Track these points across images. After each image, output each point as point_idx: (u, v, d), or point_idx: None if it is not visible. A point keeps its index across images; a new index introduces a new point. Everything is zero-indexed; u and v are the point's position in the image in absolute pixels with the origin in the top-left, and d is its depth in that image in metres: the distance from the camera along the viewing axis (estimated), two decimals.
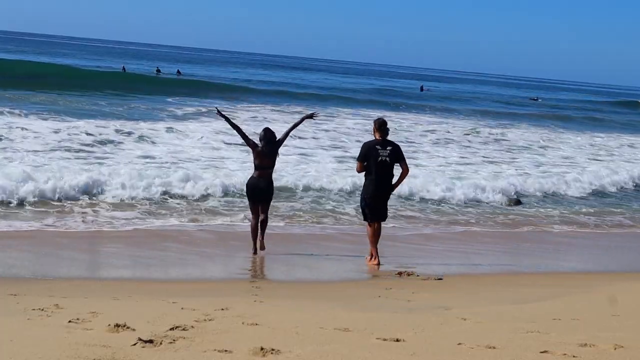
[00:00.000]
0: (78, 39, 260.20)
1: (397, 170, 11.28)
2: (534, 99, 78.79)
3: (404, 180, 11.32)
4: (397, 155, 10.99)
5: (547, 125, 45.24)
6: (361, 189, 11.52)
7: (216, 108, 13.38)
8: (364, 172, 11.16)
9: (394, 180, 11.20)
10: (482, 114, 49.58)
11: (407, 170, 11.12)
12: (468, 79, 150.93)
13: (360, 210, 11.61)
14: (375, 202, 11.09)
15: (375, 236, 11.13)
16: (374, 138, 11.16)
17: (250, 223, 11.84)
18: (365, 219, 11.37)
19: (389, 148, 10.95)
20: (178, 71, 66.50)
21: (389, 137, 11.22)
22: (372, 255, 11.22)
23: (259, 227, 11.57)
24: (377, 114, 33.48)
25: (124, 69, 61.99)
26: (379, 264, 11.14)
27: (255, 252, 11.51)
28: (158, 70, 64.84)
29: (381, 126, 11.00)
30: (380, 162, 10.89)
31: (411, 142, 28.71)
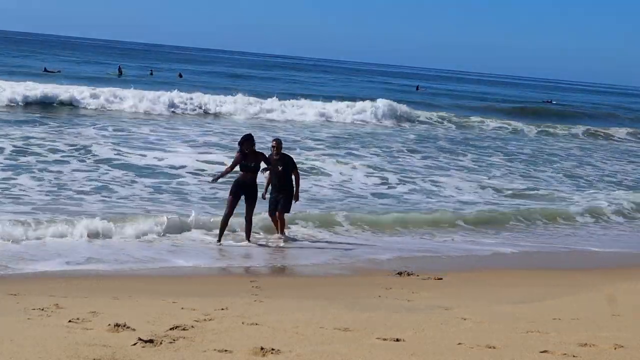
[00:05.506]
0: (80, 38, 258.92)
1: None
2: (548, 102, 78.16)
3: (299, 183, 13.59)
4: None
5: None
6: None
7: (211, 180, 13.47)
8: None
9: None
10: None
11: (298, 175, 13.47)
12: (471, 79, 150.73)
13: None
14: (276, 199, 13.15)
15: (280, 223, 13.17)
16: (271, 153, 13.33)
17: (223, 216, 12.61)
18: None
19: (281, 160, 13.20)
20: (179, 74, 65.34)
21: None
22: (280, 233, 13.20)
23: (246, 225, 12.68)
24: None
25: (119, 70, 61.70)
26: (280, 236, 12.97)
27: (219, 241, 12.33)
28: (151, 72, 64.47)
29: (278, 144, 13.32)
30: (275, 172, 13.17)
31: None
